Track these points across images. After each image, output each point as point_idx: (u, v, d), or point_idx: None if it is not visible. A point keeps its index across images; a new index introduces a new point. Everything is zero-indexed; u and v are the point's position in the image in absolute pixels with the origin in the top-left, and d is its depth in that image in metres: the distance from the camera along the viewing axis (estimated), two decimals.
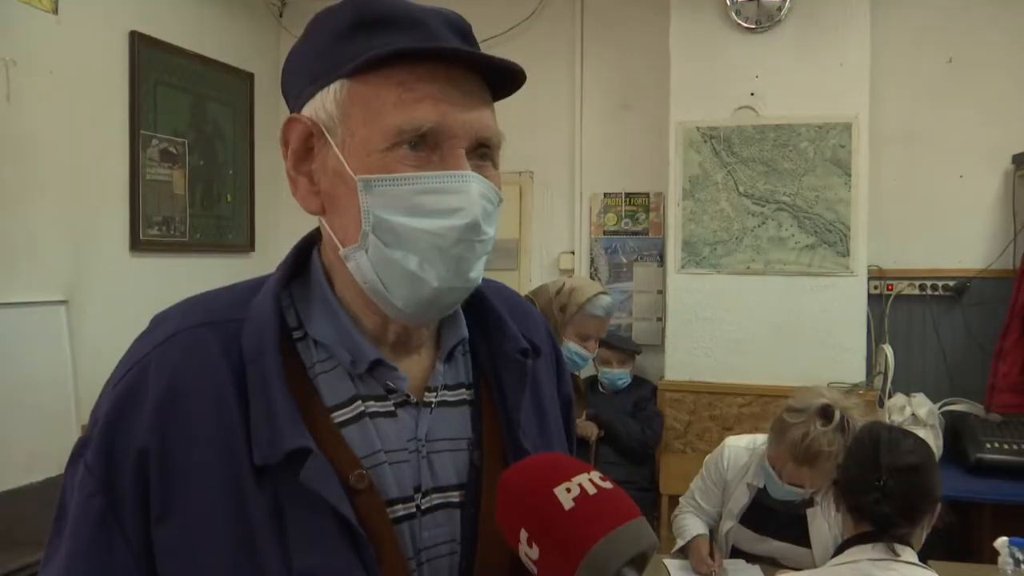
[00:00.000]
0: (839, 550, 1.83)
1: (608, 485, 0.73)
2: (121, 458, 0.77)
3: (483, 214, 0.80)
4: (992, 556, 2.28)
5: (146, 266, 3.72)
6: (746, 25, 3.80)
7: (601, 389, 3.93)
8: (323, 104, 0.81)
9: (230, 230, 4.30)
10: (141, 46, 3.65)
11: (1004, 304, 3.66)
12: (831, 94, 3.74)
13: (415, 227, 0.78)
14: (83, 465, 0.79)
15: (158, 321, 0.85)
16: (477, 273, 0.83)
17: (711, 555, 2.47)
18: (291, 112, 0.86)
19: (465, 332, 0.92)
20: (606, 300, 2.67)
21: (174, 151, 3.88)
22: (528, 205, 4.45)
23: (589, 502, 0.71)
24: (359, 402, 0.83)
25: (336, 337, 0.84)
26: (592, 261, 4.38)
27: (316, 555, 0.75)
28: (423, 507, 0.83)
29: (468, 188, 0.79)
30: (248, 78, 4.40)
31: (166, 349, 0.80)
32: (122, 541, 0.77)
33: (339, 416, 0.82)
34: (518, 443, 0.88)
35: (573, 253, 4.39)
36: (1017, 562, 2.16)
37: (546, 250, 4.46)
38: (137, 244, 3.66)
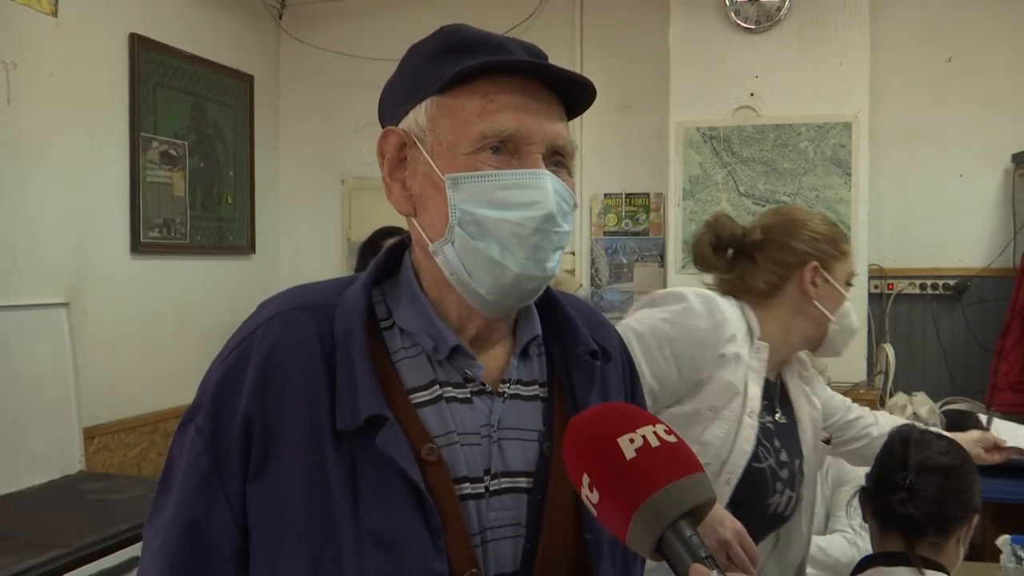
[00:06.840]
0: (859, 567, 1.71)
1: (672, 439, 0.76)
2: (228, 422, 0.87)
3: (558, 208, 0.88)
4: (993, 554, 2.27)
5: (147, 268, 3.72)
6: (745, 25, 3.80)
7: None
8: (415, 119, 0.91)
9: (230, 232, 4.30)
10: (141, 48, 3.65)
11: (1005, 303, 3.66)
12: (831, 94, 3.74)
13: (497, 218, 0.86)
14: (193, 428, 0.89)
15: (263, 305, 0.95)
16: (553, 264, 0.90)
17: None
18: None
19: (539, 329, 0.98)
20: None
21: (174, 153, 3.88)
22: None
23: (651, 454, 0.74)
24: (437, 387, 0.90)
25: (420, 325, 0.92)
26: (593, 262, 4.37)
27: (385, 516, 0.83)
28: (491, 489, 0.89)
29: (543, 184, 0.88)
30: (248, 80, 4.40)
31: (268, 327, 0.90)
32: (222, 496, 0.87)
33: (417, 397, 0.89)
34: None
35: (573, 254, 4.38)
36: (1019, 560, 2.15)
37: None
38: (138, 246, 3.65)
